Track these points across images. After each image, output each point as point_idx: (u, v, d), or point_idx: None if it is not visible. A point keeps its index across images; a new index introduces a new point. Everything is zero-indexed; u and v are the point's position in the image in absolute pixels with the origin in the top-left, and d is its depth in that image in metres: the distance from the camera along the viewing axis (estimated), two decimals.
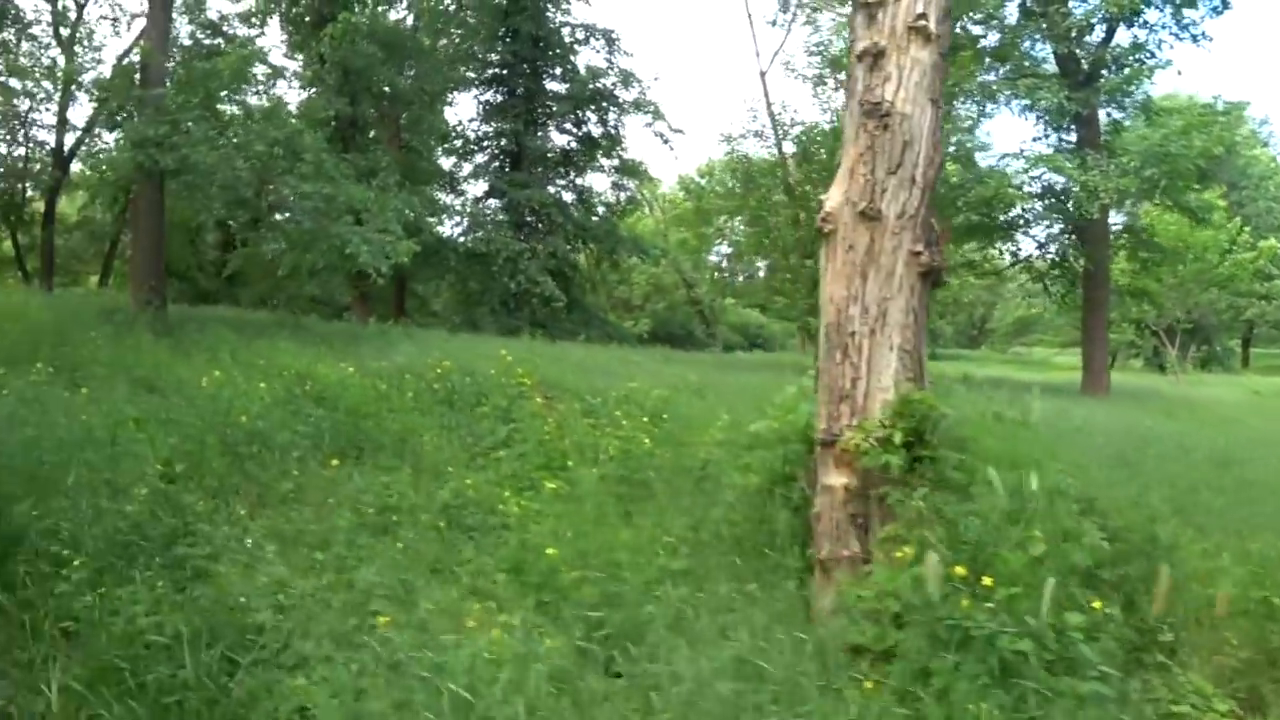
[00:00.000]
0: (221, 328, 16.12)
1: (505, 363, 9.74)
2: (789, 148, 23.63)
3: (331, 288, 29.51)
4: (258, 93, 22.36)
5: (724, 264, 53.16)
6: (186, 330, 15.29)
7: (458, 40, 31.84)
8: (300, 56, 29.65)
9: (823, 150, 21.29)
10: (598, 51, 32.55)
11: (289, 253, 16.65)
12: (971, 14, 23.43)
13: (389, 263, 15.46)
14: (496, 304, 27.22)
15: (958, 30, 26.88)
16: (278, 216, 18.53)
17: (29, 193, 36.06)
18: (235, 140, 15.12)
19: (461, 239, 28.83)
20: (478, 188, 32.44)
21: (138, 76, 17.53)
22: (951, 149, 19.68)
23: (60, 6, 32.85)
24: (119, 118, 18.08)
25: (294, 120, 15.46)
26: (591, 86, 31.49)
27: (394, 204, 18.03)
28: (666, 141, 31.96)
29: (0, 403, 7.66)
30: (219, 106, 18.35)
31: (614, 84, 31.70)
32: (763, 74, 25.75)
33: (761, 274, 59.63)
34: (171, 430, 6.83)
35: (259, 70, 22.05)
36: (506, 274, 26.25)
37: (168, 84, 16.69)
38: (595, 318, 30.74)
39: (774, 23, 30.78)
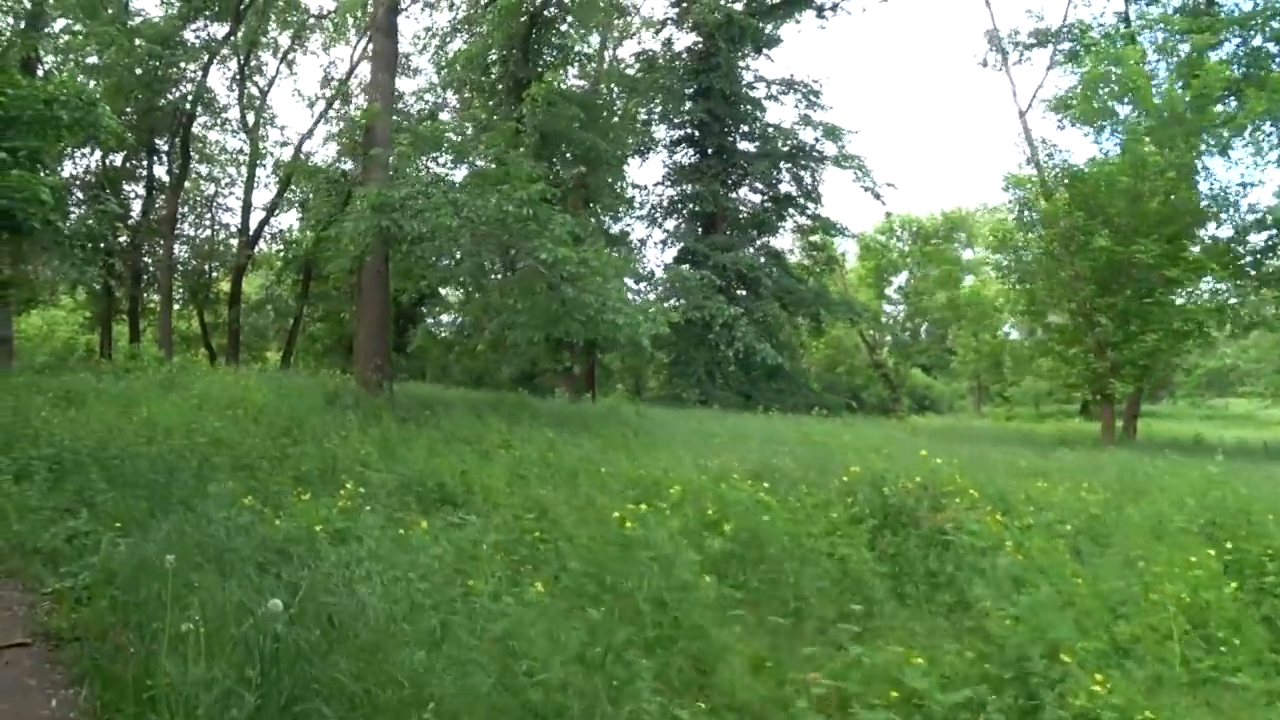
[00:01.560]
0: (456, 410, 14.28)
1: (924, 462, 7.22)
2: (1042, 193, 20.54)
3: (502, 359, 28.18)
4: (460, 163, 21.31)
5: (902, 323, 50.19)
6: (422, 415, 13.52)
7: (644, 100, 30.24)
8: (472, 124, 28.63)
9: (1101, 191, 18.19)
10: (795, 106, 30.46)
11: (525, 326, 14.83)
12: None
13: (650, 333, 13.34)
14: (702, 373, 24.93)
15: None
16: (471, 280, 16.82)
17: (214, 273, 36.50)
18: (476, 202, 13.37)
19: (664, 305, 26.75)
20: (667, 253, 30.62)
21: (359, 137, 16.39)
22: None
23: (245, 95, 33.26)
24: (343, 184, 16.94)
25: (534, 183, 13.63)
26: (789, 144, 29.32)
27: (629, 272, 16.14)
28: (879, 196, 29.22)
29: (318, 544, 5.63)
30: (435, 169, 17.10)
31: (816, 139, 29.47)
32: (1022, 114, 22.98)
33: (924, 333, 55.93)
34: (597, 604, 4.61)
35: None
36: (723, 341, 23.92)
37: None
38: (801, 385, 28.05)
39: (984, 63, 27.93)
